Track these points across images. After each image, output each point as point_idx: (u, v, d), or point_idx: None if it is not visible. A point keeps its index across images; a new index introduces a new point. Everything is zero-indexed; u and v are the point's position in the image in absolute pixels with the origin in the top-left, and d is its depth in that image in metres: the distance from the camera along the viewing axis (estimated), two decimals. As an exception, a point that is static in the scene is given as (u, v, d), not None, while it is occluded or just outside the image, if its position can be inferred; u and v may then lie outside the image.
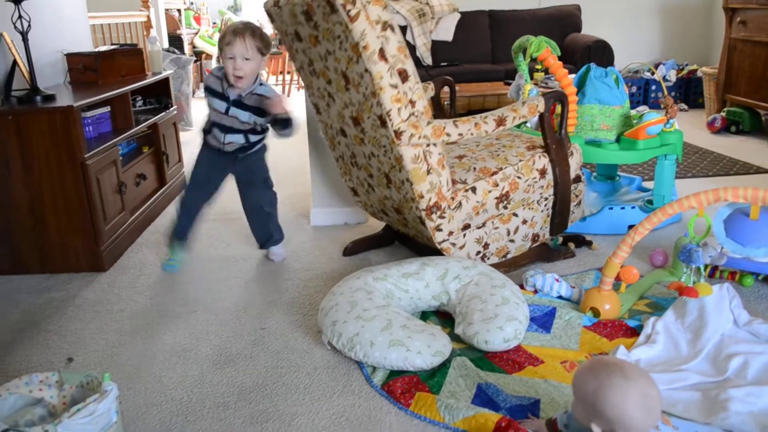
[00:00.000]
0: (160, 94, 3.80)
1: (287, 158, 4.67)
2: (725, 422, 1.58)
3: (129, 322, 2.31)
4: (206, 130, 2.67)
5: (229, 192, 3.80)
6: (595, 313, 2.16)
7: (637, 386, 1.29)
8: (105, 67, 3.36)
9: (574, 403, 1.39)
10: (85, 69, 3.34)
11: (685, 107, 6.13)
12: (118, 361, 2.05)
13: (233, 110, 2.53)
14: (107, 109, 3.13)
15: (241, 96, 2.50)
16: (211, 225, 3.28)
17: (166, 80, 3.80)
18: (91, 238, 2.71)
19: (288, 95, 7.93)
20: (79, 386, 1.61)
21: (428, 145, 2.18)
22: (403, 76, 2.07)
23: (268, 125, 2.61)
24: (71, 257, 2.73)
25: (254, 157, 2.71)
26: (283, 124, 2.51)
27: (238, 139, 2.60)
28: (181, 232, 2.75)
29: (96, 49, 3.58)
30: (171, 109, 3.77)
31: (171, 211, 3.52)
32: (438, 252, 2.39)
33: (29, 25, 2.74)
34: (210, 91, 2.57)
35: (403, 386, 1.79)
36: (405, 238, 2.82)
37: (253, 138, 2.62)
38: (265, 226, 2.82)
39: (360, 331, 1.91)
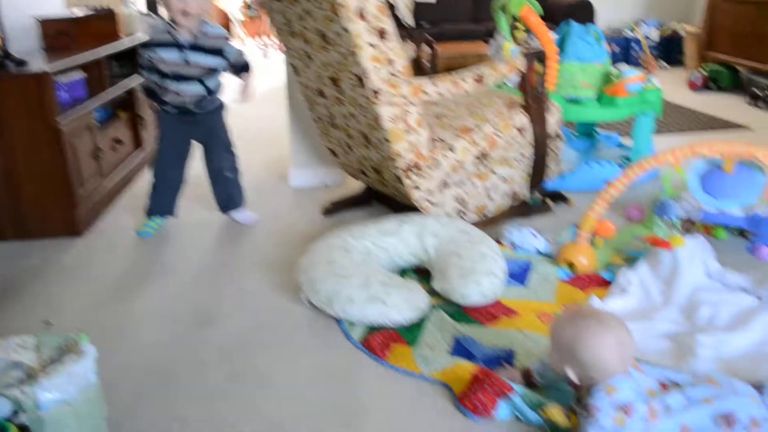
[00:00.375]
0: (135, 58, 3.73)
1: (266, 120, 4.64)
2: (694, 368, 1.62)
3: (106, 285, 2.30)
4: (157, 94, 2.58)
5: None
6: (571, 266, 2.18)
7: (612, 333, 1.33)
8: (79, 32, 3.30)
9: (551, 351, 1.42)
10: (59, 34, 3.27)
11: (666, 65, 6.13)
12: (97, 324, 2.05)
13: (193, 56, 2.48)
14: (82, 74, 3.07)
15: (196, 38, 2.47)
16: (187, 188, 3.25)
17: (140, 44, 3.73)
18: (68, 204, 2.68)
19: (266, 57, 7.85)
20: (57, 348, 1.61)
21: (406, 104, 2.17)
22: (382, 35, 2.05)
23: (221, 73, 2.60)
24: (48, 223, 2.70)
25: (215, 117, 2.67)
26: (242, 68, 2.56)
27: (197, 89, 2.55)
28: (164, 208, 2.74)
29: (70, 14, 3.51)
30: (147, 73, 3.70)
31: (147, 177, 3.50)
32: (416, 210, 2.40)
33: (-2, -11, 2.67)
34: (158, 46, 2.49)
35: (382, 340, 1.81)
36: (384, 197, 2.82)
37: (210, 83, 2.57)
38: (225, 191, 2.80)
39: (338, 288, 1.93)
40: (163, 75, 2.51)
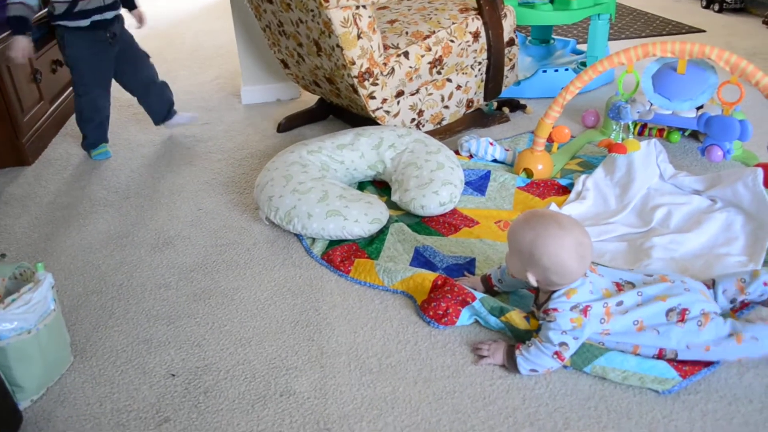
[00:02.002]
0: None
1: (212, 37, 4.47)
2: (648, 268, 1.67)
3: (60, 213, 2.24)
4: (68, 14, 2.38)
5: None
6: (529, 173, 2.20)
7: (571, 235, 1.34)
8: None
9: (509, 257, 1.44)
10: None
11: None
12: (53, 253, 2.01)
13: None
14: (9, -11, 2.87)
15: None
16: (137, 109, 3.15)
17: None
18: (11, 131, 2.56)
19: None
20: (12, 278, 1.57)
21: (357, 7, 2.09)
22: (327, -70, 1.95)
23: None
24: (-9, 152, 2.60)
25: (124, 27, 2.57)
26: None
27: None
28: (103, 137, 2.65)
29: None
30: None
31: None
32: (372, 122, 2.37)
33: None
34: None
35: (343, 254, 1.82)
36: (339, 110, 2.77)
37: None
38: (162, 98, 2.74)
39: (297, 204, 1.91)
40: None
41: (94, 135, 2.63)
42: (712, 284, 1.48)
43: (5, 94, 2.50)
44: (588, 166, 2.27)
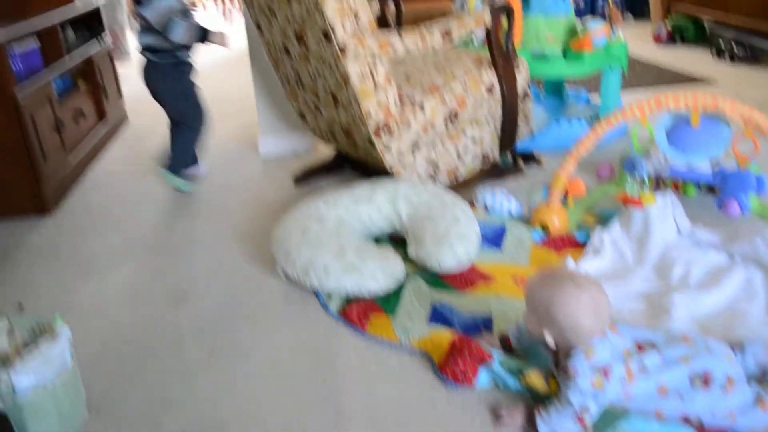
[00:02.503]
0: (92, 24, 3.61)
1: (231, 88, 4.55)
2: (669, 327, 1.65)
3: (79, 264, 2.26)
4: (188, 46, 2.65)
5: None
6: (545, 228, 2.20)
7: (587, 293, 1.33)
8: (30, -1, 3.17)
9: (527, 315, 1.43)
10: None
11: (631, 17, 6.13)
12: (71, 304, 2.02)
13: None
14: (36, 44, 2.96)
15: None
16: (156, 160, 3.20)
17: (97, 10, 3.61)
18: (32, 181, 2.61)
19: (228, 21, 7.66)
20: (30, 331, 1.58)
21: (374, 60, 2.13)
22: (346, -14, 2.00)
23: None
24: (13, 202, 2.63)
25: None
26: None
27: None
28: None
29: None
30: (105, 39, 3.59)
31: (116, 151, 3.42)
32: (388, 175, 2.38)
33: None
34: None
35: (359, 311, 1.82)
36: (355, 162, 2.80)
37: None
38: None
39: (313, 259, 1.92)
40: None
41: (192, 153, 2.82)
42: (738, 347, 1.45)
43: (28, 143, 2.55)
44: (604, 220, 2.27)
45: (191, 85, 2.72)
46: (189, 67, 2.69)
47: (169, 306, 1.98)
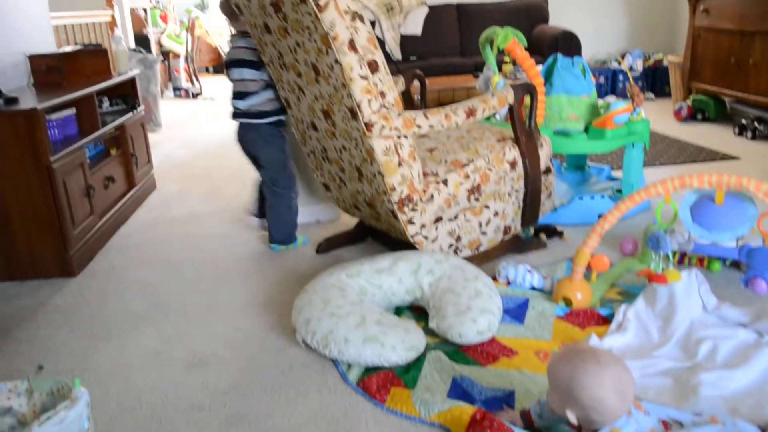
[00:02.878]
0: (126, 95, 3.74)
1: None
2: (696, 406, 1.61)
3: (100, 327, 2.28)
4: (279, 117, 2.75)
5: (199, 193, 3.77)
6: (568, 302, 2.18)
7: (610, 371, 1.31)
8: (69, 69, 3.30)
9: (549, 392, 1.41)
10: (48, 70, 3.27)
11: (652, 96, 6.21)
12: (90, 366, 2.02)
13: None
14: (72, 111, 3.07)
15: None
16: (181, 227, 3.25)
17: (132, 80, 3.75)
18: (60, 243, 2.66)
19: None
20: (49, 393, 1.58)
21: (399, 137, 2.18)
22: (373, 67, 2.07)
23: None
24: (40, 263, 2.68)
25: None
26: None
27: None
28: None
29: (60, 50, 3.52)
30: (138, 109, 3.72)
31: (143, 217, 3.49)
32: (411, 246, 2.40)
33: (-11, 27, 2.68)
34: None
35: (379, 382, 1.79)
36: (378, 233, 2.82)
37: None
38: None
39: (334, 328, 1.91)
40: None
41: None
42: (766, 428, 1.41)
43: (59, 208, 2.61)
44: (628, 296, 2.24)
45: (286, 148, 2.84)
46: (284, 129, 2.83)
47: (188, 370, 1.97)
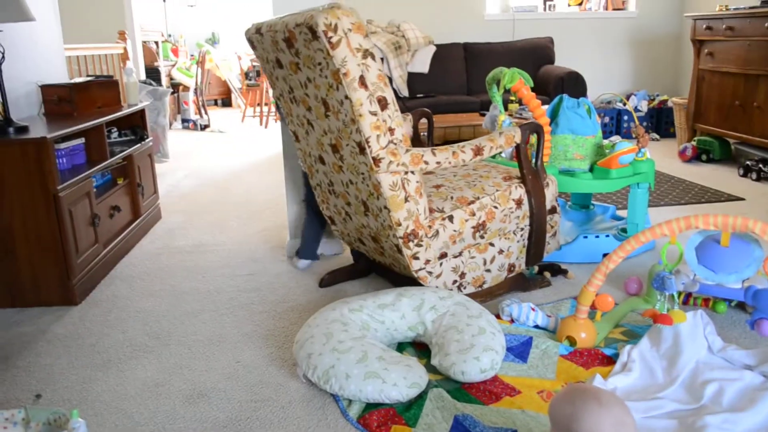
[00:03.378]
0: (135, 126, 3.78)
1: (262, 190, 4.67)
2: (702, 450, 1.58)
3: (100, 356, 2.26)
4: None
5: (204, 224, 3.78)
6: (572, 341, 2.16)
7: (611, 413, 1.29)
8: (80, 99, 3.35)
9: (551, 430, 1.39)
10: (60, 100, 3.32)
11: (657, 137, 6.25)
12: (89, 397, 2.00)
13: None
14: (81, 140, 3.10)
15: None
16: (185, 257, 3.25)
17: (141, 112, 3.79)
18: (63, 272, 2.66)
19: (265, 127, 7.95)
20: (46, 423, 1.57)
21: (406, 172, 2.19)
22: (383, 103, 2.09)
23: None
24: (42, 291, 2.68)
25: None
26: None
27: None
28: None
29: (71, 81, 3.57)
30: (146, 140, 3.75)
31: (147, 246, 3.49)
32: (415, 282, 2.39)
33: (3, 56, 2.72)
34: None
35: (380, 419, 1.77)
36: (382, 268, 2.81)
37: None
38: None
39: (335, 364, 1.89)
40: None
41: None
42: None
43: (64, 237, 2.62)
44: (632, 336, 2.22)
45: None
46: None
47: (187, 403, 1.95)
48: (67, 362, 2.22)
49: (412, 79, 6.05)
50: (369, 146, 2.11)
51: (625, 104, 6.19)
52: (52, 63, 3.67)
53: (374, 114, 2.08)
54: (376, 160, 2.13)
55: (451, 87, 6.10)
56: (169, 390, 2.03)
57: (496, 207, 2.41)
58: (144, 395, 2.00)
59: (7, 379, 2.12)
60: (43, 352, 2.30)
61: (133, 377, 2.11)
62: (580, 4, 6.80)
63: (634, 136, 3.10)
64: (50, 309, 2.66)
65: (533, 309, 2.33)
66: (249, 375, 2.10)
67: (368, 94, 2.06)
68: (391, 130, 2.13)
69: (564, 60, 6.47)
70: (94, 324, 2.52)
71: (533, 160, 2.54)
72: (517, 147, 2.46)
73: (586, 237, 2.99)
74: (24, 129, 2.71)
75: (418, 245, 2.27)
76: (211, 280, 2.95)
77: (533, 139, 2.54)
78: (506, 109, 3.87)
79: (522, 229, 2.55)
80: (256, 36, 2.36)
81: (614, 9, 6.69)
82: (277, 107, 2.89)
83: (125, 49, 6.07)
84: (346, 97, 2.06)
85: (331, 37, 1.98)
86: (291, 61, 2.23)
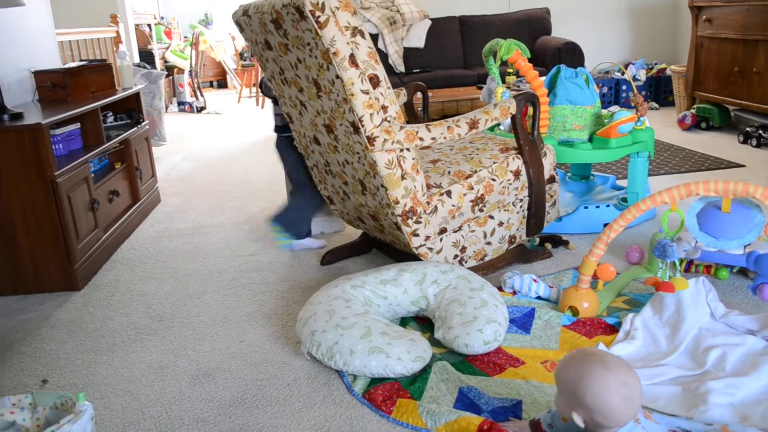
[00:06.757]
0: (131, 110, 3.76)
1: (261, 170, 4.65)
2: (706, 415, 1.59)
3: (104, 340, 2.27)
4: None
5: (203, 206, 3.77)
6: (574, 311, 2.16)
7: (616, 375, 1.30)
8: (74, 84, 3.32)
9: (557, 396, 1.40)
10: (53, 86, 3.29)
11: (656, 105, 6.21)
12: (94, 380, 2.01)
13: None
14: (77, 126, 3.08)
15: None
16: (185, 239, 3.25)
17: (136, 95, 3.77)
18: (64, 257, 2.66)
19: (262, 107, 7.91)
20: (53, 407, 1.58)
21: (402, 150, 2.17)
22: (374, 81, 2.07)
23: None
24: (44, 277, 2.68)
25: None
26: None
27: None
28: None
29: (64, 66, 3.54)
30: (143, 124, 3.73)
31: (147, 230, 3.49)
32: (415, 257, 2.39)
33: (-7, 43, 2.70)
34: None
35: (385, 393, 1.78)
36: (382, 245, 2.81)
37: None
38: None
39: (339, 340, 1.90)
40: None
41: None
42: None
43: (63, 223, 2.61)
44: (635, 304, 2.23)
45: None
46: None
47: (192, 383, 1.96)
48: (72, 347, 2.23)
49: (408, 54, 6.00)
50: (362, 125, 2.09)
51: (623, 73, 6.14)
52: (44, 48, 3.63)
53: (366, 93, 2.06)
54: (371, 139, 2.11)
55: (447, 61, 6.05)
56: (174, 371, 2.04)
57: (494, 179, 2.40)
58: (150, 377, 2.01)
59: (12, 365, 2.13)
60: (47, 338, 2.30)
61: (139, 360, 2.12)
62: (576, -27, 6.72)
63: (632, 105, 3.08)
64: (53, 295, 2.67)
65: (535, 280, 2.34)
66: (253, 354, 2.11)
67: (359, 72, 2.04)
68: (384, 108, 2.11)
69: (561, 30, 6.41)
70: (97, 308, 2.53)
71: (530, 131, 2.52)
72: (513, 118, 2.44)
73: (586, 207, 2.98)
74: (18, 116, 2.69)
75: (417, 222, 2.27)
76: (213, 261, 2.95)
77: (530, 109, 2.52)
78: (503, 81, 3.85)
79: (521, 200, 2.54)
80: (244, 18, 2.33)
81: (610, -23, 6.62)
82: (261, 90, 2.90)
83: (117, 32, 6.01)
84: (337, 77, 2.04)
85: (318, 17, 1.95)
86: (280, 42, 2.21)
